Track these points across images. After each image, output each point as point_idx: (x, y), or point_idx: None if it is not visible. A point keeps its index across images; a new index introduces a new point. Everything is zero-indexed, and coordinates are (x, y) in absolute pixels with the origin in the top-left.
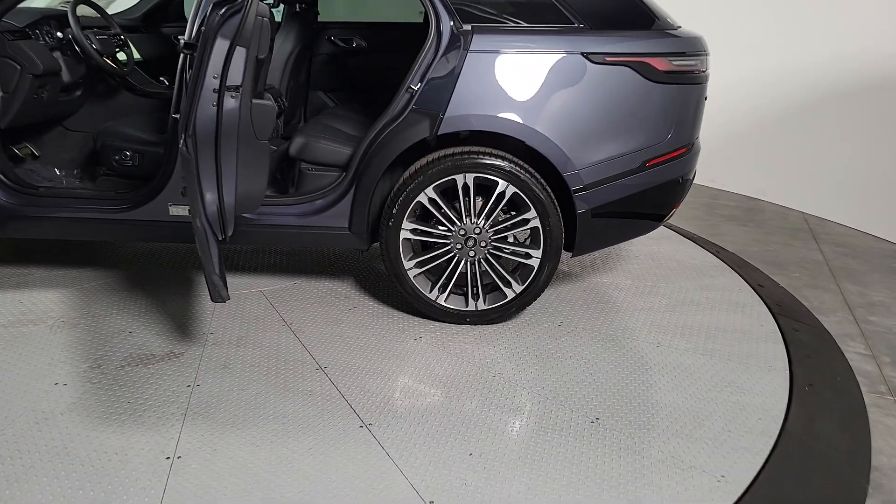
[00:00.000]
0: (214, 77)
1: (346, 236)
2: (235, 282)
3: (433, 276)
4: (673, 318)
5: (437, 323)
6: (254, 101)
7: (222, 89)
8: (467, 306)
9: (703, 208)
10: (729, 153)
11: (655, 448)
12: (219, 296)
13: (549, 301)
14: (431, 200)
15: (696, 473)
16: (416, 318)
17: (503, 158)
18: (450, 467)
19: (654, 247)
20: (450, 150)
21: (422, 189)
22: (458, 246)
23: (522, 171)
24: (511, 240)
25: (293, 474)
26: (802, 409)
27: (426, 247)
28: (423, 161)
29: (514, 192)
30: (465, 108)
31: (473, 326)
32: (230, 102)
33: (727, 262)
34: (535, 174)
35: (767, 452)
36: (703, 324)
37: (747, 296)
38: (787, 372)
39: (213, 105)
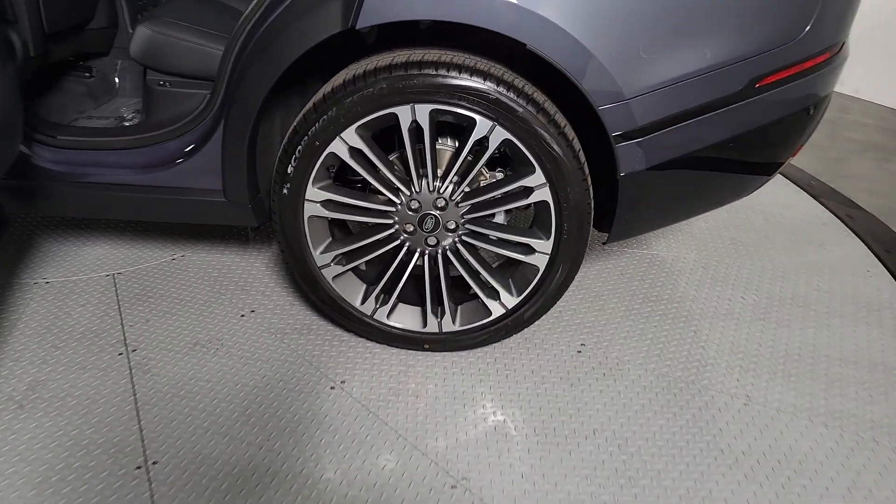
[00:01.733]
0: None
1: (219, 205)
2: (81, 254)
3: (368, 273)
4: (767, 336)
5: (375, 348)
6: None
7: None
8: (425, 326)
9: (824, 127)
10: (867, 44)
11: None
12: None
13: (564, 296)
14: (354, 152)
15: None
16: (344, 336)
17: (486, 76)
18: None
19: None
20: (386, 58)
21: (337, 130)
22: (409, 228)
23: (521, 101)
24: (500, 219)
25: None
26: None
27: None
28: (338, 80)
29: (507, 140)
30: None
31: (436, 356)
32: None
33: (853, 229)
34: (544, 105)
35: None
36: (819, 349)
37: (883, 283)
38: None
39: None
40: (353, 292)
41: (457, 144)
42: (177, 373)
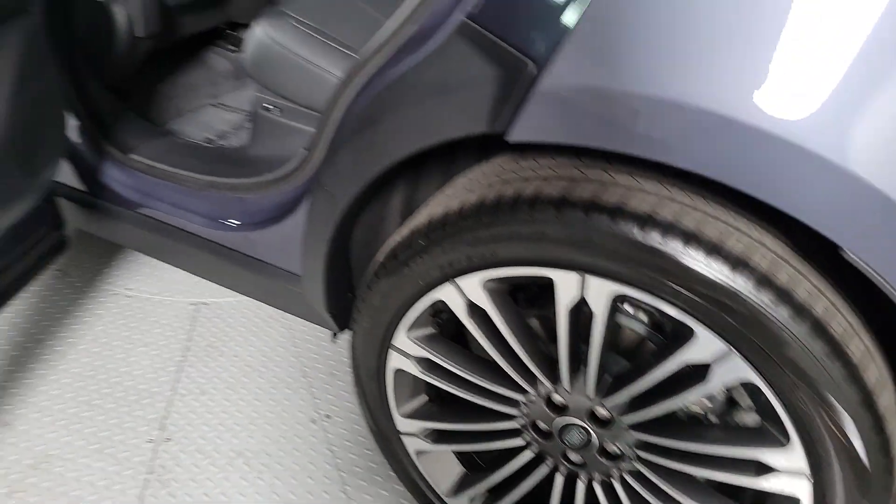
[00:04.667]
0: None
1: (296, 295)
2: (171, 271)
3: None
4: None
5: None
6: None
7: None
8: None
9: None
10: None
11: None
12: None
13: None
14: (475, 309)
15: None
16: None
17: (737, 263)
18: None
19: None
20: (558, 182)
21: (454, 273)
22: (541, 427)
23: (797, 324)
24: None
25: None
26: None
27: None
28: (472, 198)
29: (747, 383)
30: (623, 65)
31: None
32: None
33: None
34: (838, 338)
35: None
36: None
37: None
38: None
39: None
40: (442, 474)
41: (645, 322)
42: (199, 496)
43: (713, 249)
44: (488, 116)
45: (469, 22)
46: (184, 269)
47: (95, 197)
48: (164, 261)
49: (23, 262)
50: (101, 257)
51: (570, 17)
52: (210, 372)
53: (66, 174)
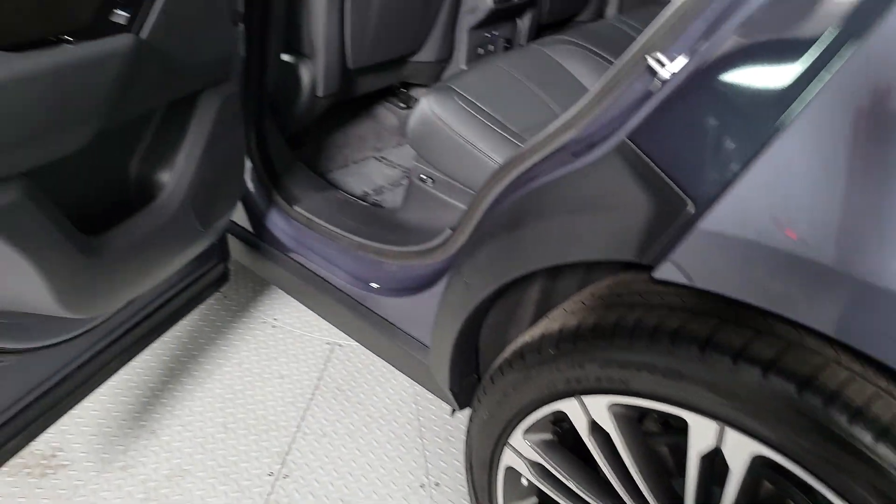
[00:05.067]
0: None
1: (421, 365)
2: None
3: None
4: None
5: None
6: None
7: None
8: None
9: None
10: None
11: None
12: None
13: None
14: (597, 429)
15: None
16: None
17: None
18: None
19: None
20: (734, 332)
21: (580, 390)
22: None
23: None
24: None
25: None
26: None
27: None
28: (611, 317)
29: None
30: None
31: None
32: None
33: None
34: None
35: None
36: None
37: None
38: None
39: None
40: None
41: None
42: None
43: (883, 433)
44: (637, 247)
45: (630, 143)
46: (321, 317)
47: (258, 238)
48: (305, 305)
49: (194, 288)
50: (256, 285)
51: (746, 156)
52: (334, 415)
53: (236, 213)
